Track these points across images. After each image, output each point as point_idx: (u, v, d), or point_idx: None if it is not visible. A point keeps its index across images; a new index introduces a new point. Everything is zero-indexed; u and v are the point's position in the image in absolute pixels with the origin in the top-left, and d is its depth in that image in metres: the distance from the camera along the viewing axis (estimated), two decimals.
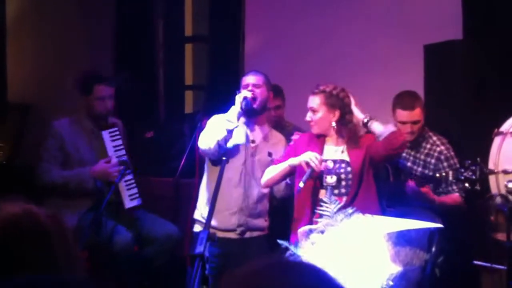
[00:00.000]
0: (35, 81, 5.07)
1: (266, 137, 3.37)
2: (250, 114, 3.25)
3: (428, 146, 3.39)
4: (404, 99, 3.36)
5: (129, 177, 3.64)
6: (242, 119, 3.22)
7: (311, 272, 0.93)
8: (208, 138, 3.16)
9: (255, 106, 3.23)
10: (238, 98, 3.18)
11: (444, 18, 4.10)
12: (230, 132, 3.12)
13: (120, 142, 3.66)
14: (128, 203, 3.61)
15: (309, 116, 3.01)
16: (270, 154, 3.31)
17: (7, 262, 1.04)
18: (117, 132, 3.67)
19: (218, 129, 3.13)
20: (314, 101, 2.98)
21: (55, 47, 5.07)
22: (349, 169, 2.94)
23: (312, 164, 2.84)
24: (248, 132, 3.31)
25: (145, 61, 5.37)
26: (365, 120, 2.96)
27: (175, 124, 5.03)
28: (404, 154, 3.41)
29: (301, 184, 2.83)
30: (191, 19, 5.62)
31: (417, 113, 3.32)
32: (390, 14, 4.39)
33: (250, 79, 3.31)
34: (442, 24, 4.08)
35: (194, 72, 5.70)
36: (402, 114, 3.31)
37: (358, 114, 2.98)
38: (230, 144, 3.16)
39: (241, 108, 3.14)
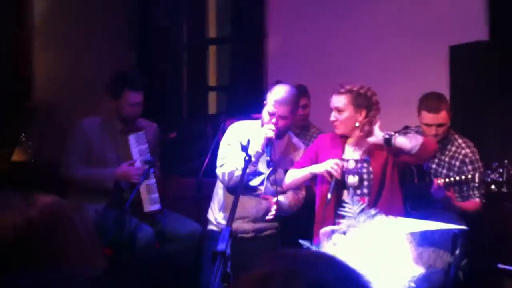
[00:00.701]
0: (60, 81, 5.15)
1: (285, 152, 3.26)
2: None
3: (454, 148, 3.35)
4: (430, 101, 3.32)
5: (152, 181, 3.66)
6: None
7: (338, 264, 0.92)
8: (225, 172, 3.08)
9: (278, 137, 3.05)
10: (261, 137, 2.97)
11: (470, 19, 4.06)
12: (246, 173, 2.85)
13: (145, 146, 3.68)
14: (148, 207, 3.63)
15: (333, 116, 2.97)
16: (286, 172, 3.23)
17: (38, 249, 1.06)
18: (143, 136, 3.69)
19: (235, 166, 3.03)
20: (340, 100, 2.94)
21: (80, 47, 5.14)
22: (370, 169, 2.92)
23: (334, 173, 2.83)
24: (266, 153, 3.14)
25: (169, 62, 5.42)
26: (386, 137, 2.85)
27: (198, 125, 5.06)
28: None
29: (329, 196, 2.84)
30: (215, 21, 5.65)
31: (442, 116, 3.28)
32: (415, 14, 4.36)
33: (280, 108, 3.03)
34: (467, 25, 4.03)
35: (218, 73, 5.73)
36: (428, 117, 3.28)
37: (378, 134, 2.87)
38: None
39: (263, 150, 2.97)
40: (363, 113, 2.93)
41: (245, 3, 5.19)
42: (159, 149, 3.96)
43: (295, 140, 3.36)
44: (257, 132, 3.07)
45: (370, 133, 2.91)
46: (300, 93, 3.66)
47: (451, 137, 3.38)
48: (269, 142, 2.99)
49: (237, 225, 3.21)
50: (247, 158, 2.77)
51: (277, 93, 3.07)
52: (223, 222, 3.23)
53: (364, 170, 2.94)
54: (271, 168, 3.13)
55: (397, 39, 4.42)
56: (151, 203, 3.65)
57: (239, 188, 2.63)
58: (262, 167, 3.17)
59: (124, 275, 3.35)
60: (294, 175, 3.06)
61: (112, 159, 3.65)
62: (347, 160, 2.96)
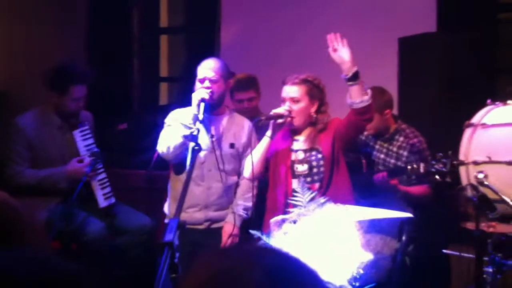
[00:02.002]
0: (5, 69, 4.96)
1: (227, 127, 3.25)
2: (208, 110, 3.12)
3: (401, 138, 3.42)
4: None
5: (102, 176, 3.60)
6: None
7: (287, 253, 0.92)
8: (164, 145, 3.08)
9: (213, 100, 3.08)
10: (195, 99, 3.01)
11: (418, 11, 4.14)
12: (187, 137, 2.93)
13: (91, 140, 3.60)
14: (102, 203, 3.58)
15: (287, 106, 2.91)
16: (232, 145, 3.23)
17: None
18: (88, 131, 3.60)
19: (174, 135, 3.02)
20: (296, 90, 2.90)
21: (27, 35, 4.96)
22: (320, 156, 2.92)
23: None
24: (205, 128, 3.18)
25: (119, 52, 5.30)
26: (355, 72, 2.75)
27: (149, 116, 4.98)
28: (377, 146, 3.43)
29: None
30: (167, 10, 5.57)
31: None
32: (365, 6, 4.41)
33: (207, 72, 3.11)
34: (416, 17, 4.11)
35: (169, 64, 5.65)
36: None
37: (349, 66, 2.75)
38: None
39: (198, 111, 2.98)
40: (316, 104, 2.92)
41: None
42: (94, 134, 3.83)
43: (238, 116, 3.33)
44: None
45: (322, 125, 2.92)
46: (248, 85, 3.66)
47: (399, 127, 3.45)
48: (205, 105, 2.98)
49: (187, 216, 3.19)
50: (196, 147, 2.75)
51: (203, 62, 3.17)
52: (173, 212, 3.19)
53: (313, 158, 2.93)
54: (210, 144, 3.11)
55: (347, 31, 4.45)
56: (105, 198, 3.59)
57: (188, 176, 2.59)
58: (204, 143, 3.12)
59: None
60: (254, 154, 2.95)
61: (56, 155, 3.54)
62: (296, 151, 2.96)
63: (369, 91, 2.87)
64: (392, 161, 3.40)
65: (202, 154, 3.13)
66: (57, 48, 4.94)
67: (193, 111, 3.00)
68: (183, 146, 2.98)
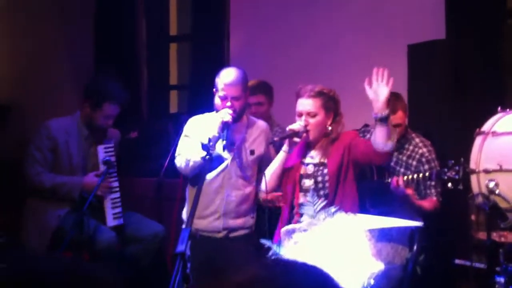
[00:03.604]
0: (13, 81, 5.00)
1: (247, 134, 3.24)
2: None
3: (411, 148, 3.41)
4: None
5: (116, 195, 3.64)
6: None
7: (310, 272, 0.94)
8: (182, 160, 3.07)
9: (235, 117, 3.04)
10: (218, 120, 2.97)
11: (427, 18, 4.13)
12: (207, 160, 2.84)
13: (114, 158, 3.64)
14: (111, 222, 3.61)
15: (303, 120, 2.85)
16: (252, 152, 3.23)
17: None
18: (112, 148, 3.65)
19: (194, 153, 2.99)
20: (312, 104, 2.84)
21: (34, 46, 5.00)
22: (325, 171, 2.88)
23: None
24: (226, 136, 3.13)
25: (128, 60, 5.33)
26: (386, 114, 2.62)
27: (159, 124, 5.01)
28: None
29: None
30: (176, 18, 5.60)
31: (399, 116, 3.33)
32: (373, 13, 4.41)
33: (229, 89, 3.04)
34: (425, 24, 4.11)
35: (179, 71, 5.68)
36: None
37: (382, 107, 2.63)
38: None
39: (220, 136, 2.95)
40: (331, 117, 2.90)
41: (207, 0, 5.16)
42: (118, 150, 3.90)
43: (255, 120, 3.32)
44: (214, 121, 3.04)
45: (335, 134, 2.89)
46: (256, 90, 3.67)
47: (409, 136, 3.44)
48: (225, 126, 2.97)
49: (206, 222, 3.20)
50: (207, 157, 2.76)
51: (225, 76, 3.09)
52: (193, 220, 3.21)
53: (319, 173, 2.90)
54: (232, 153, 3.11)
55: (356, 38, 4.47)
56: (114, 217, 3.63)
57: (200, 184, 2.60)
58: (225, 154, 3.15)
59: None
60: (270, 169, 2.94)
61: (77, 164, 3.60)
62: (307, 165, 2.94)
63: (395, 136, 2.77)
64: (402, 170, 3.40)
65: (224, 163, 3.15)
66: (65, 59, 4.97)
67: (214, 133, 2.98)
68: (201, 165, 2.96)
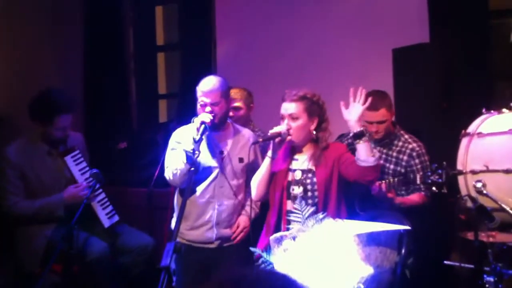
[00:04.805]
0: (3, 95, 4.99)
1: (234, 142, 3.27)
2: (214, 128, 3.13)
3: (400, 143, 3.43)
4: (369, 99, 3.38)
5: (102, 196, 3.60)
6: (204, 138, 3.05)
7: (279, 281, 0.96)
8: (170, 172, 3.09)
9: (215, 122, 3.09)
10: (196, 124, 3.01)
11: (411, 22, 4.17)
12: (189, 160, 2.92)
13: (84, 164, 3.59)
14: (107, 222, 3.58)
15: (286, 124, 2.88)
16: (241, 160, 3.25)
17: None
18: (79, 155, 3.58)
19: (179, 162, 3.02)
20: (294, 107, 2.86)
21: (22, 58, 4.99)
22: (314, 179, 2.88)
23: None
24: (213, 145, 3.20)
25: (116, 71, 5.33)
26: (359, 131, 2.72)
27: (149, 134, 5.01)
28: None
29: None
30: (162, 28, 5.61)
31: (381, 113, 3.34)
32: (358, 19, 4.45)
33: (206, 96, 3.09)
34: (409, 28, 4.14)
35: (167, 81, 5.69)
36: (367, 114, 3.33)
37: (353, 125, 2.74)
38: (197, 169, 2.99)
39: (201, 136, 2.97)
40: (315, 121, 2.90)
41: (193, 9, 5.18)
42: (88, 155, 3.81)
43: (240, 128, 3.34)
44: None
45: (324, 143, 2.91)
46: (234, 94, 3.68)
47: (398, 132, 3.47)
48: (204, 129, 2.98)
49: (199, 233, 3.21)
50: (192, 169, 2.77)
51: (202, 84, 3.16)
52: (184, 231, 3.22)
53: (308, 181, 2.89)
54: (220, 162, 3.12)
55: (341, 43, 4.50)
56: (108, 217, 3.60)
57: (186, 197, 2.61)
58: (213, 163, 3.16)
59: None
60: (257, 177, 2.95)
61: (50, 181, 3.53)
62: (294, 171, 2.94)
63: (376, 152, 2.85)
64: (392, 166, 3.41)
65: (214, 173, 3.16)
66: (54, 71, 4.96)
67: (193, 135, 3.00)
68: (188, 172, 2.97)
